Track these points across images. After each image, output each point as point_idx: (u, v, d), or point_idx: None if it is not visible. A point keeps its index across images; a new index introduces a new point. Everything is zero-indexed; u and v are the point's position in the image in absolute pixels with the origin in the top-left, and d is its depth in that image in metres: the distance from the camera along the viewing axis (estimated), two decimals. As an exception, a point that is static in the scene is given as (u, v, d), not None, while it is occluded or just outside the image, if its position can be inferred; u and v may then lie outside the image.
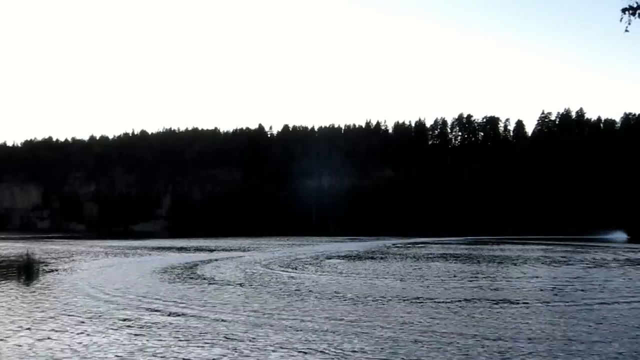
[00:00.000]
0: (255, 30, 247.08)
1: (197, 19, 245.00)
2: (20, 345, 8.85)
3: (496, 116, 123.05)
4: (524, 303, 13.21)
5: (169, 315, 11.48)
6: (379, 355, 8.29)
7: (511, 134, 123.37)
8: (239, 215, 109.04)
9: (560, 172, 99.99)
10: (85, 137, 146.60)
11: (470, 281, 17.84)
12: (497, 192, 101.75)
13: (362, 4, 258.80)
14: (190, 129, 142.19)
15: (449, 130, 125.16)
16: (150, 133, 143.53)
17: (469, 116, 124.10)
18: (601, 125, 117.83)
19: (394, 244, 45.95)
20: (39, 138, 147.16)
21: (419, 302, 13.28)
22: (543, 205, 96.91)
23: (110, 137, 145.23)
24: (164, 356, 8.24)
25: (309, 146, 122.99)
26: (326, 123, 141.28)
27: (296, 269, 22.27)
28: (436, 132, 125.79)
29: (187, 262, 26.14)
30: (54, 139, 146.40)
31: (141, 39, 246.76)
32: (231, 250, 37.08)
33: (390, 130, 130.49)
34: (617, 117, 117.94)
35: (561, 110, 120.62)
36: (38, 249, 36.05)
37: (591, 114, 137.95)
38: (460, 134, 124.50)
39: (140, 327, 10.26)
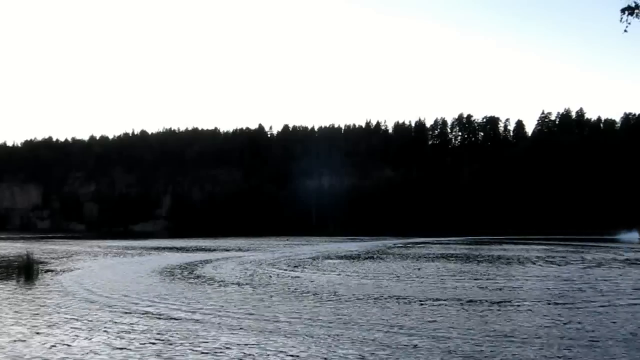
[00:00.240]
0: (255, 30, 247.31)
1: (197, 19, 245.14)
2: (13, 345, 8.84)
3: (496, 116, 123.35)
4: (524, 303, 13.20)
5: (166, 316, 11.46)
6: (377, 356, 8.28)
7: (511, 134, 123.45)
8: (239, 215, 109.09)
9: (560, 172, 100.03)
10: (85, 137, 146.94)
11: (470, 281, 17.83)
12: (497, 192, 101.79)
13: (362, 4, 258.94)
14: (190, 129, 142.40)
15: (449, 130, 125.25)
16: (150, 133, 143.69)
17: (469, 116, 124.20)
18: (601, 125, 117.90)
19: (394, 244, 45.94)
20: (39, 138, 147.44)
21: (419, 303, 13.27)
22: (543, 205, 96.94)
23: (110, 137, 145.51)
24: (160, 357, 8.23)
25: (309, 146, 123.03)
26: (326, 123, 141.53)
27: (296, 269, 22.26)
28: (436, 132, 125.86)
29: (187, 262, 26.13)
30: (54, 139, 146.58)
31: (141, 39, 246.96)
32: (231, 250, 37.08)
33: (390, 130, 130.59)
34: (617, 117, 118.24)
35: (561, 110, 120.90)
36: (38, 249, 36.05)
37: (591, 114, 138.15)
38: (460, 134, 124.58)
39: (136, 328, 10.24)
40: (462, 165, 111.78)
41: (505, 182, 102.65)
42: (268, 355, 8.29)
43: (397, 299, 13.91)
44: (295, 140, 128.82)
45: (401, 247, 41.82)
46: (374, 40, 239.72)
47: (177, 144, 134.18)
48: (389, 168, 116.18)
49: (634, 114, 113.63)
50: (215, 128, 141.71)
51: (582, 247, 39.93)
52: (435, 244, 46.87)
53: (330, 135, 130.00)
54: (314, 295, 14.57)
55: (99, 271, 21.43)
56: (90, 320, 10.91)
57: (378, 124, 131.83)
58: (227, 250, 36.37)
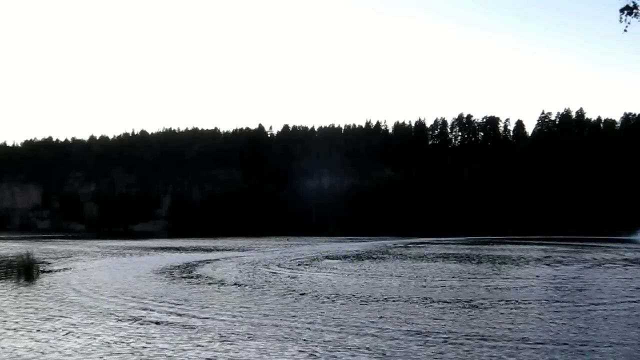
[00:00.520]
0: (255, 30, 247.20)
1: (197, 19, 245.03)
2: (9, 345, 8.84)
3: (496, 116, 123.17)
4: (524, 303, 13.19)
5: (164, 316, 11.45)
6: (375, 357, 8.27)
7: (511, 134, 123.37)
8: (239, 215, 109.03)
9: (560, 172, 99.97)
10: (85, 137, 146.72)
11: (470, 281, 17.82)
12: (497, 192, 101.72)
13: (362, 4, 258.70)
14: (190, 129, 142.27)
15: (449, 130, 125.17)
16: (150, 133, 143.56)
17: (469, 116, 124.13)
18: (601, 125, 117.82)
19: (394, 244, 45.93)
20: (39, 138, 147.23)
21: (418, 303, 13.26)
22: (543, 205, 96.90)
23: (110, 137, 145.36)
24: (156, 357, 8.22)
25: (309, 146, 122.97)
26: (326, 123, 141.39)
27: (295, 269, 22.25)
28: (436, 132, 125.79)
29: (186, 262, 26.13)
30: (54, 139, 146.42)
31: (141, 39, 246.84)
32: (231, 250, 37.07)
33: (390, 130, 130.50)
34: (617, 117, 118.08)
35: (561, 110, 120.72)
36: (37, 249, 36.04)
37: (591, 114, 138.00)
38: (460, 134, 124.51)
39: (132, 329, 10.24)
40: (462, 165, 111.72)
41: (505, 182, 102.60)
42: (265, 357, 8.29)
43: (396, 299, 13.90)
44: (295, 140, 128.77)
45: (401, 247, 41.81)
46: (374, 40, 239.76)
47: (177, 144, 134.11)
48: (389, 168, 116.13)
49: (634, 114, 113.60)
50: (215, 128, 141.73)
51: (582, 247, 39.92)
52: (435, 244, 46.86)
53: (330, 135, 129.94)
54: (313, 295, 14.56)
55: (98, 271, 21.44)
56: (88, 321, 10.90)
57: (378, 124, 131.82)
58: (227, 250, 36.36)
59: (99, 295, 14.52)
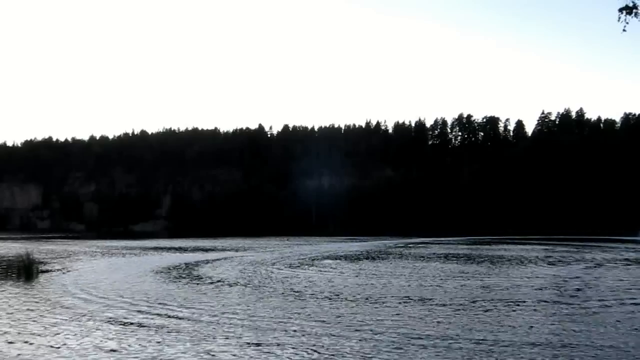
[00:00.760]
0: (255, 30, 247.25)
1: (197, 18, 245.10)
2: (5, 345, 8.83)
3: (496, 116, 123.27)
4: (523, 304, 13.17)
5: (162, 317, 11.43)
6: (374, 357, 8.26)
7: (511, 134, 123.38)
8: (239, 215, 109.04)
9: (560, 172, 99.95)
10: (85, 137, 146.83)
11: (470, 281, 17.80)
12: (497, 192, 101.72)
13: (362, 4, 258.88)
14: (190, 129, 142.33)
15: (449, 130, 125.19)
16: (150, 133, 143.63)
17: (469, 116, 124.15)
18: (601, 125, 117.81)
19: (394, 244, 45.91)
20: (39, 138, 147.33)
21: (418, 303, 13.24)
22: (543, 205, 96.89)
23: (110, 137, 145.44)
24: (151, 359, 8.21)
25: (309, 146, 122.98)
26: (326, 123, 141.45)
27: (295, 269, 22.23)
28: (436, 132, 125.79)
29: (186, 262, 26.11)
30: (54, 139, 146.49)
31: (141, 39, 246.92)
32: (230, 250, 37.05)
33: (390, 130, 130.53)
34: (617, 117, 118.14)
35: (561, 110, 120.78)
36: (36, 249, 36.01)
37: (591, 114, 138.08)
38: (460, 134, 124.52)
39: (128, 329, 10.22)
40: (462, 165, 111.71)
41: (505, 182, 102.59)
42: (264, 357, 8.27)
43: (396, 299, 13.88)
44: (295, 140, 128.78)
45: (401, 247, 41.79)
46: (374, 40, 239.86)
47: (177, 144, 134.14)
48: (389, 168, 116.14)
49: (634, 114, 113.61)
50: (215, 128, 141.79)
51: (582, 247, 39.89)
52: (435, 244, 46.83)
53: (330, 135, 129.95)
54: (312, 295, 14.54)
55: (97, 272, 21.41)
56: (85, 322, 10.88)
57: (378, 124, 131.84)
58: (227, 250, 36.34)
59: (97, 295, 14.50)
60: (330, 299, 13.88)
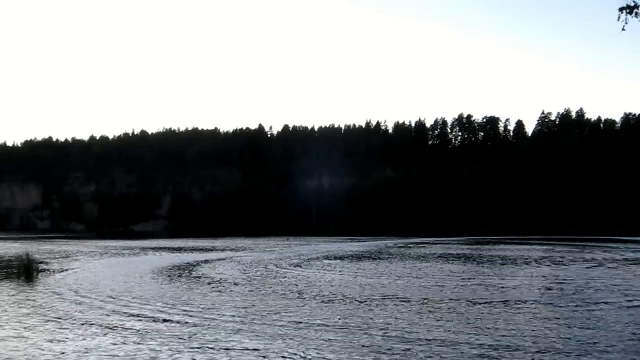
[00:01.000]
0: (255, 30, 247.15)
1: (197, 18, 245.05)
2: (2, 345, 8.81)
3: (496, 116, 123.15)
4: (523, 304, 13.15)
5: (161, 318, 11.41)
6: (373, 358, 8.24)
7: (511, 134, 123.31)
8: (239, 215, 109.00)
9: (560, 172, 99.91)
10: (85, 137, 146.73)
11: (470, 281, 17.78)
12: (497, 192, 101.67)
13: (362, 4, 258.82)
14: (190, 129, 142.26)
15: (449, 130, 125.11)
16: (150, 133, 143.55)
17: (469, 116, 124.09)
18: (601, 125, 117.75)
19: (394, 244, 45.89)
20: (39, 138, 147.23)
21: (418, 303, 13.22)
22: (543, 205, 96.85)
23: (110, 137, 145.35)
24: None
25: (309, 146, 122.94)
26: (326, 123, 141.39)
27: (295, 269, 22.21)
28: (436, 132, 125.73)
29: (185, 262, 26.10)
30: (54, 139, 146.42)
31: (141, 39, 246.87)
32: (230, 250, 37.03)
33: (390, 130, 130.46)
34: (617, 117, 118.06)
35: (561, 110, 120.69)
36: (36, 249, 36.00)
37: (591, 114, 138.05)
38: (460, 134, 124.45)
39: (128, 330, 10.20)
40: (462, 165, 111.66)
41: (505, 182, 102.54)
42: (263, 357, 8.25)
43: (396, 299, 13.87)
44: (295, 140, 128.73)
45: (401, 247, 41.77)
46: (374, 40, 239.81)
47: (177, 144, 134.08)
48: (389, 168, 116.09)
49: (634, 114, 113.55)
50: (215, 128, 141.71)
51: (582, 247, 39.87)
52: (435, 244, 46.82)
53: (330, 135, 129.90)
54: (312, 296, 14.53)
55: (96, 272, 21.40)
56: (83, 322, 10.86)
57: (378, 124, 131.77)
58: (227, 250, 36.32)
59: (97, 296, 14.48)
60: (330, 299, 13.87)
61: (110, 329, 10.13)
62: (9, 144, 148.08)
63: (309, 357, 8.21)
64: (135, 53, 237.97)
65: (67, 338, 9.38)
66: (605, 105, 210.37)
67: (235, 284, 17.17)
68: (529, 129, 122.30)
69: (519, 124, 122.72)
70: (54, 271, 21.19)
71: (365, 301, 13.47)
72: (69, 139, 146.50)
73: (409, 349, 8.60)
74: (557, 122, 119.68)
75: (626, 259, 28.42)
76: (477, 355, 8.28)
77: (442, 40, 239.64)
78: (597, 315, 11.54)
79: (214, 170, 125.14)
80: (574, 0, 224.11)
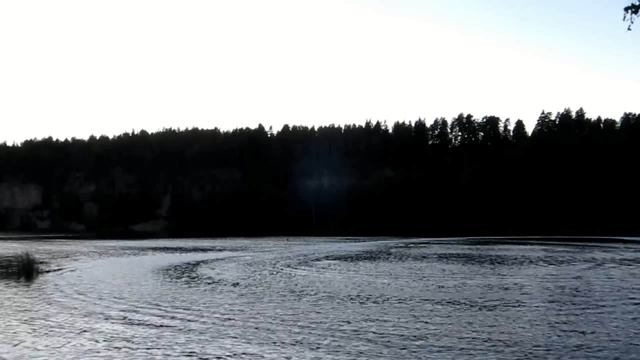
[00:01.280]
0: (255, 30, 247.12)
1: (197, 18, 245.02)
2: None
3: (496, 116, 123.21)
4: (523, 304, 13.12)
5: (160, 318, 11.36)
6: (373, 358, 8.20)
7: (511, 134, 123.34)
8: (239, 215, 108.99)
9: (560, 172, 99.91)
10: (85, 137, 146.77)
11: (471, 281, 17.75)
12: (497, 192, 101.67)
13: (362, 4, 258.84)
14: (190, 129, 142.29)
15: (449, 130, 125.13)
16: (150, 133, 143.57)
17: (469, 116, 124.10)
18: (601, 125, 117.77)
19: (394, 244, 45.86)
20: (39, 138, 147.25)
21: (417, 303, 13.18)
22: (543, 205, 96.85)
23: (110, 137, 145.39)
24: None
25: (309, 146, 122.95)
26: (326, 123, 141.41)
27: (295, 269, 22.18)
28: (436, 132, 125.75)
29: (185, 262, 26.06)
30: (54, 139, 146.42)
31: (141, 39, 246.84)
32: (230, 250, 37.00)
33: (390, 130, 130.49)
34: (617, 117, 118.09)
35: (561, 110, 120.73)
36: (36, 249, 35.96)
37: (591, 114, 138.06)
38: (460, 134, 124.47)
39: (127, 331, 10.16)
40: (462, 165, 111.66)
41: (505, 182, 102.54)
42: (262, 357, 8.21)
43: (396, 299, 13.83)
44: (295, 140, 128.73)
45: (401, 247, 41.74)
46: (374, 40, 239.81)
47: (177, 144, 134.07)
48: (389, 168, 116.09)
49: (634, 114, 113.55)
50: (215, 128, 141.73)
51: (582, 247, 39.84)
52: (436, 244, 46.80)
53: (330, 135, 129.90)
54: (312, 296, 14.49)
55: (96, 272, 21.37)
56: (83, 323, 10.83)
57: (378, 124, 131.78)
58: (227, 251, 36.29)
59: (96, 296, 14.45)
60: (329, 299, 13.83)
61: (110, 329, 10.10)
62: (9, 144, 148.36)
63: (309, 357, 8.17)
64: (135, 53, 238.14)
65: (66, 338, 9.35)
66: (605, 105, 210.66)
67: (235, 284, 17.14)
68: (529, 129, 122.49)
69: (519, 124, 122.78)
70: (53, 271, 21.15)
71: (366, 301, 13.44)
72: (69, 139, 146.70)
73: (409, 349, 8.56)
74: (557, 122, 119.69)
75: (626, 259, 28.39)
76: (477, 354, 8.24)
77: (442, 40, 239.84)
78: (597, 315, 11.51)
79: (214, 170, 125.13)
80: (574, 0, 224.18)
